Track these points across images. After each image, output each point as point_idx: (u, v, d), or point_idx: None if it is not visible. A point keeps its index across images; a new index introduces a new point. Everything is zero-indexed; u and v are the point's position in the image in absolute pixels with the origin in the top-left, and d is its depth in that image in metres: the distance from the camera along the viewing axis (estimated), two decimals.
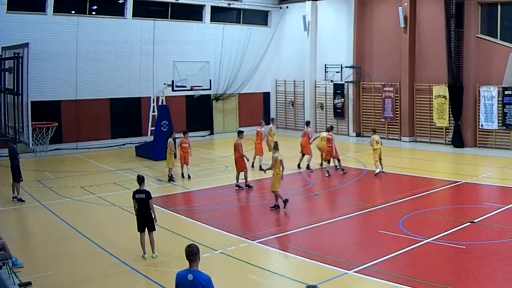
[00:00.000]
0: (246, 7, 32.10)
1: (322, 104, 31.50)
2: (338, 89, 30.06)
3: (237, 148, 17.52)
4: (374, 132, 20.72)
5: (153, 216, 11.12)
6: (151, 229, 11.13)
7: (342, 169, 19.86)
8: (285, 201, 14.70)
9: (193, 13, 30.38)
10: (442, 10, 24.46)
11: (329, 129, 20.76)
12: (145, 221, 11.08)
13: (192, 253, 6.30)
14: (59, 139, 24.98)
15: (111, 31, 26.59)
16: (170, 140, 19.28)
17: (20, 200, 15.87)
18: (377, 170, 19.39)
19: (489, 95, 23.58)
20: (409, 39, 26.52)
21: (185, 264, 6.38)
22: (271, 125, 22.56)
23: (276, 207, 14.70)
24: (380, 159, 19.55)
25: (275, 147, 15.20)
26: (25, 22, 23.60)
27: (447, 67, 24.60)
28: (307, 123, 22.66)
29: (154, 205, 11.31)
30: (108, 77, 26.73)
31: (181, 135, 19.89)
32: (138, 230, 11.14)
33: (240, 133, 18.06)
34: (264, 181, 19.11)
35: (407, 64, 26.69)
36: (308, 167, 20.47)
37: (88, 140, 26.20)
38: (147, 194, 11.11)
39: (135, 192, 11.23)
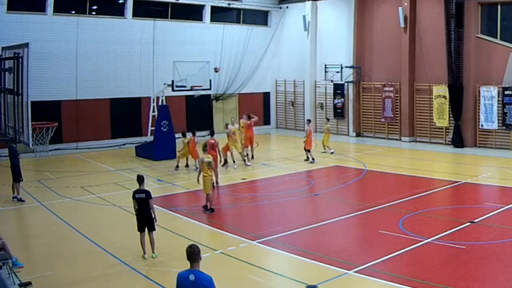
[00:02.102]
0: (246, 7, 32.10)
1: (322, 104, 31.51)
2: (338, 89, 30.07)
3: (215, 146, 17.94)
4: (328, 120, 26.40)
5: (153, 216, 11.13)
6: (151, 229, 11.14)
7: (309, 158, 21.93)
8: (211, 209, 14.47)
9: (193, 13, 30.38)
10: (442, 10, 24.46)
11: (308, 122, 23.49)
12: (145, 221, 11.09)
13: (193, 253, 6.29)
14: (59, 139, 24.98)
15: (111, 31, 26.58)
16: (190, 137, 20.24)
17: (20, 200, 15.87)
18: (332, 151, 23.63)
19: (489, 95, 23.58)
20: (409, 39, 26.53)
21: (185, 264, 6.38)
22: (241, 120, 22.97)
23: (210, 210, 14.46)
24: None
25: (203, 148, 15.05)
26: (25, 22, 23.60)
27: (447, 67, 24.60)
28: (249, 117, 23.10)
29: (154, 205, 11.32)
30: (108, 77, 26.73)
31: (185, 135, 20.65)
32: (138, 230, 11.15)
33: (213, 133, 19.10)
34: (264, 181, 19.14)
35: (407, 64, 26.70)
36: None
37: (88, 140, 26.20)
38: (147, 193, 11.12)
39: (135, 192, 11.24)
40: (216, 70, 24.37)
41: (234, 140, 21.02)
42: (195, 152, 19.87)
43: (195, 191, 17.34)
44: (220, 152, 20.38)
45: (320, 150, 23.98)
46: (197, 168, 19.18)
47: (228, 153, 21.14)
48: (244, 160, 21.49)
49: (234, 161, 21.18)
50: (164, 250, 11.30)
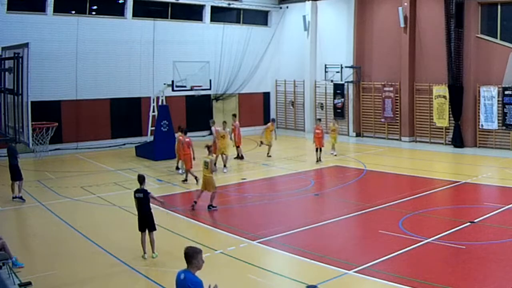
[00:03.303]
0: (246, 7, 32.09)
1: (322, 104, 31.51)
2: (338, 89, 30.07)
3: (190, 145, 18.22)
4: (336, 120, 26.24)
5: (153, 216, 11.16)
6: (152, 228, 11.17)
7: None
8: (210, 206, 14.84)
9: (193, 13, 30.38)
10: (442, 10, 24.47)
11: (318, 120, 24.52)
12: (145, 221, 11.14)
13: (187, 255, 6.39)
14: (59, 139, 24.96)
15: (111, 31, 26.56)
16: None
17: (21, 198, 15.85)
18: (335, 153, 23.33)
19: (489, 95, 23.58)
20: (409, 39, 26.52)
21: (185, 264, 6.40)
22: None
23: (209, 206, 14.86)
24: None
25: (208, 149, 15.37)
26: (25, 22, 23.58)
27: (447, 67, 24.60)
28: (235, 116, 24.48)
29: (154, 203, 11.40)
30: (108, 77, 26.70)
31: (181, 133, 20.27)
32: (139, 230, 11.20)
33: (186, 131, 19.06)
34: (264, 181, 19.13)
35: (407, 64, 26.70)
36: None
37: (88, 140, 26.19)
38: (145, 193, 11.19)
39: (135, 192, 11.30)
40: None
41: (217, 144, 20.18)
42: (181, 152, 18.79)
43: (195, 191, 17.34)
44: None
45: (327, 151, 23.40)
46: (183, 172, 19.09)
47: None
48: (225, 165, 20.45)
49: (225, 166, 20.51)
50: (164, 250, 11.30)
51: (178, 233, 12.69)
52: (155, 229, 11.23)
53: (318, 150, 21.88)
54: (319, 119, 24.03)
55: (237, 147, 22.71)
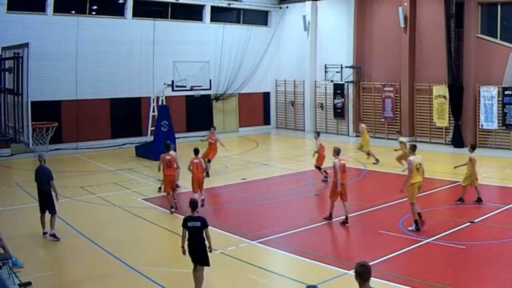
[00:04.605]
0: (246, 7, 32.11)
1: (322, 104, 31.51)
2: (338, 89, 30.08)
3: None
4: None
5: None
6: (207, 262, 9.08)
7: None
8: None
9: (193, 13, 30.39)
10: (442, 10, 24.48)
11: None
12: (200, 255, 9.09)
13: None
14: (59, 139, 25.00)
15: (111, 31, 26.61)
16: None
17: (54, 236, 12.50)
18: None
19: (489, 95, 23.58)
20: (409, 39, 26.53)
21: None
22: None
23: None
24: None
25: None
26: (25, 22, 23.62)
27: (447, 67, 24.61)
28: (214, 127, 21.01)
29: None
30: (108, 77, 26.74)
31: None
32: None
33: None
34: (264, 181, 19.12)
35: (407, 64, 26.70)
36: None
37: (88, 140, 26.22)
38: (203, 222, 9.15)
39: (187, 220, 9.23)
40: None
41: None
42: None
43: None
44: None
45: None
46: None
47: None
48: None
49: None
50: (164, 250, 11.30)
51: (178, 233, 12.66)
52: (209, 264, 9.18)
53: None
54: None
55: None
